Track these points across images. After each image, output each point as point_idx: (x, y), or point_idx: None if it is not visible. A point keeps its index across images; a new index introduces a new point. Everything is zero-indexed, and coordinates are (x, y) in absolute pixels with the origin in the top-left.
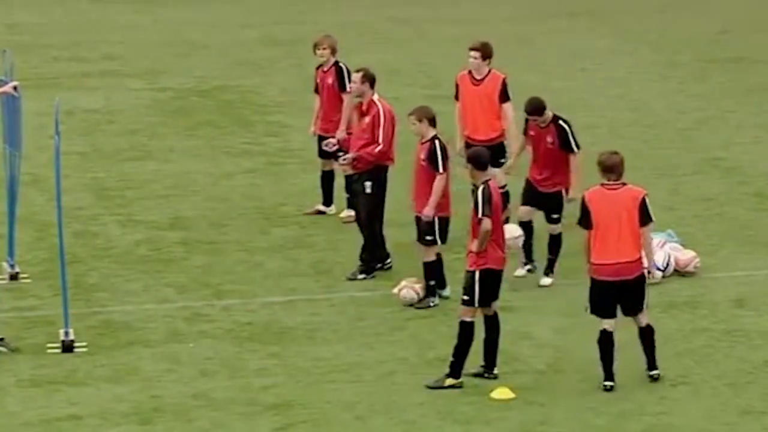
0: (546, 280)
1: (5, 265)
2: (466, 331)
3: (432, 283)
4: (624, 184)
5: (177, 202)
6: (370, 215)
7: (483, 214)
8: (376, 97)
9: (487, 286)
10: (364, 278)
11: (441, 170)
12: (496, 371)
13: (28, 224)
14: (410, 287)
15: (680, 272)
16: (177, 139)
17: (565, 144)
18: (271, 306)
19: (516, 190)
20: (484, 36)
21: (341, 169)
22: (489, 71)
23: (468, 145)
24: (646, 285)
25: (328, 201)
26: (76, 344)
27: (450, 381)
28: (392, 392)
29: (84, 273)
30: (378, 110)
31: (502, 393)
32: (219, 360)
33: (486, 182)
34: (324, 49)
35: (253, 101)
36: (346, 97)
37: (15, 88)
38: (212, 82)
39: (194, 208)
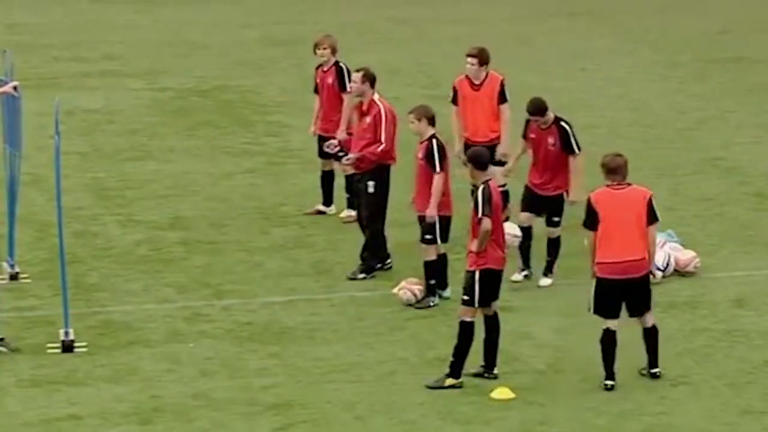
0: (545, 281)
1: (5, 265)
2: (466, 331)
3: (432, 282)
4: (629, 184)
5: (177, 202)
6: (372, 215)
7: (483, 214)
8: (376, 97)
9: (487, 286)
10: (364, 278)
11: (438, 169)
12: (496, 371)
13: (28, 224)
14: (407, 288)
15: (680, 272)
16: (177, 139)
17: (566, 145)
18: (271, 306)
19: (516, 191)
20: (484, 36)
21: (341, 169)
22: (487, 74)
23: (467, 147)
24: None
25: (328, 201)
26: (76, 344)
27: (450, 381)
28: (392, 392)
29: (84, 273)
30: (379, 109)
31: (502, 393)
32: (219, 360)
33: (486, 182)
34: (325, 48)
35: (253, 101)
36: (346, 97)
37: (15, 88)
38: (212, 82)
39: (194, 208)
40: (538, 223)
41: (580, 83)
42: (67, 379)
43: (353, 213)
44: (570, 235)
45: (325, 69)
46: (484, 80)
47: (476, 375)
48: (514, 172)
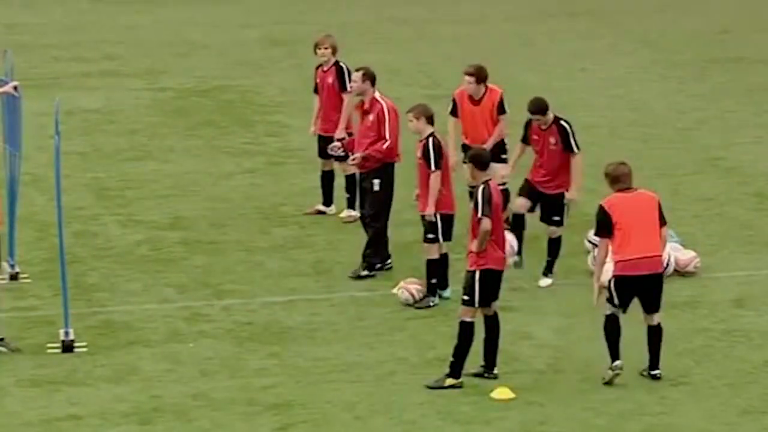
0: (545, 281)
1: (5, 265)
2: (466, 331)
3: (434, 281)
4: (636, 189)
5: (177, 202)
6: (377, 213)
7: (483, 214)
8: (377, 95)
9: (487, 286)
10: (367, 275)
11: (434, 168)
12: (496, 371)
13: (28, 224)
14: (405, 288)
15: (680, 272)
16: (177, 139)
17: (566, 145)
18: (271, 306)
19: (516, 188)
20: (484, 36)
21: (341, 169)
22: (486, 89)
23: (466, 148)
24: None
25: (328, 201)
26: (76, 344)
27: (450, 381)
28: (392, 392)
29: (84, 273)
30: (382, 107)
31: (502, 393)
32: (219, 360)
33: (486, 182)
34: (325, 48)
35: (253, 101)
36: (346, 97)
37: (15, 88)
38: (212, 82)
39: (194, 208)
40: (538, 223)
41: (580, 83)
42: (67, 379)
43: (353, 213)
44: (569, 235)
45: (325, 69)
46: (483, 95)
47: (476, 375)
48: (514, 170)
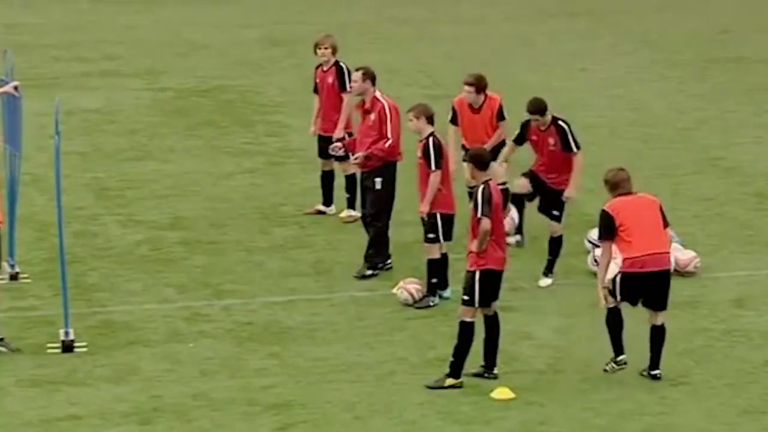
0: (545, 281)
1: (5, 265)
2: (466, 331)
3: (434, 281)
4: (636, 193)
5: (177, 202)
6: (378, 212)
7: (482, 214)
8: (378, 94)
9: (487, 286)
10: (371, 274)
11: (434, 167)
12: (496, 371)
13: (28, 224)
14: (404, 288)
15: (680, 272)
16: (177, 139)
17: (565, 145)
18: (271, 306)
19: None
20: (484, 36)
21: (341, 169)
22: (486, 98)
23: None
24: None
25: (328, 201)
26: (76, 344)
27: (450, 381)
28: (392, 392)
29: (84, 273)
30: (383, 106)
31: (502, 393)
32: (219, 360)
33: (486, 182)
34: (326, 48)
35: (253, 101)
36: (346, 97)
37: (16, 88)
38: (212, 82)
39: (194, 208)
40: (538, 223)
41: (580, 83)
42: (67, 379)
43: (353, 213)
44: (569, 235)
45: (325, 69)
46: (483, 103)
47: (476, 375)
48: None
